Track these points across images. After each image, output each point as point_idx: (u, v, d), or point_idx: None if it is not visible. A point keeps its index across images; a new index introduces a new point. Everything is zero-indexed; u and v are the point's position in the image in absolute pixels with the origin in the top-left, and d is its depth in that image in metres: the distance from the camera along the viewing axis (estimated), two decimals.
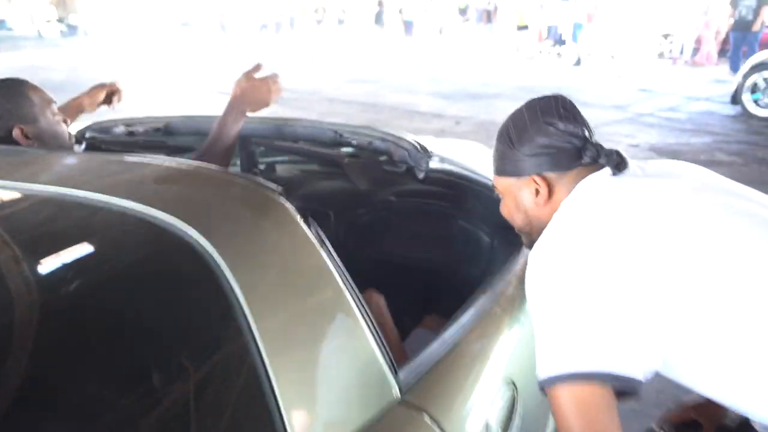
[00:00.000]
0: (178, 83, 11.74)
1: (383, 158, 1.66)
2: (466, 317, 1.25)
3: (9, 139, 1.39)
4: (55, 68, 14.35)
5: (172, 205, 0.90)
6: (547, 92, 1.19)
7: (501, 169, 1.15)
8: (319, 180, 2.25)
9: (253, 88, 1.52)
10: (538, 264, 0.98)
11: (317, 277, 0.95)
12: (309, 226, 0.98)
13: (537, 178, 1.09)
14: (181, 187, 1.03)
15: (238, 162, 2.03)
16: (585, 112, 1.14)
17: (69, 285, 0.81)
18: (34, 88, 1.47)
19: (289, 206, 0.98)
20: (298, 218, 0.97)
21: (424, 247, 2.03)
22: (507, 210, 1.19)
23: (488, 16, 17.44)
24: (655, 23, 15.53)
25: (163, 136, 1.95)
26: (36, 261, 0.84)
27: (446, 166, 1.64)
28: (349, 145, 1.71)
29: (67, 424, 0.68)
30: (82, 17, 34.88)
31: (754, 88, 8.00)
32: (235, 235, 0.89)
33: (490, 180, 1.77)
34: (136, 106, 9.43)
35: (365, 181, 1.76)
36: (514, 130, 1.12)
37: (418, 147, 1.59)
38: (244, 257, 0.86)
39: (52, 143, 1.45)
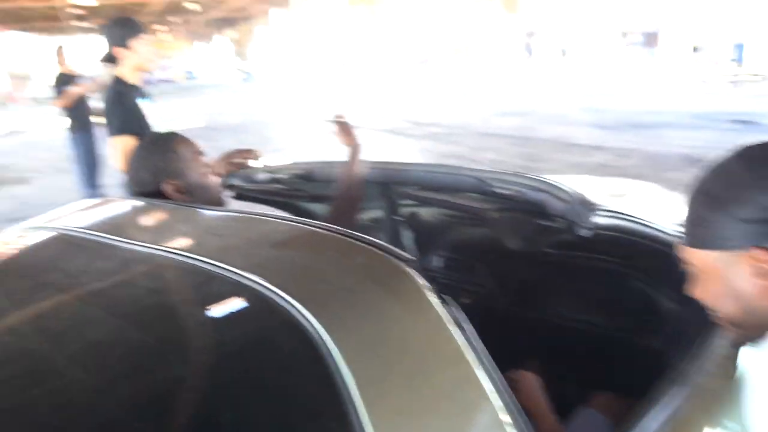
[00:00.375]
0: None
1: (536, 211, 1.45)
2: (654, 420, 0.98)
3: (161, 194, 1.41)
4: (231, 112, 16.00)
5: (285, 278, 0.80)
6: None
7: (700, 239, 0.87)
8: (468, 226, 2.07)
9: None
10: None
11: (451, 366, 0.78)
12: (444, 303, 0.82)
13: (760, 253, 0.81)
14: (298, 255, 0.94)
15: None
16: None
17: (160, 363, 0.74)
18: (183, 141, 1.47)
19: (422, 281, 0.82)
20: (432, 295, 0.81)
21: (591, 309, 1.75)
22: (707, 292, 0.90)
23: (651, 39, 16.16)
24: None
25: (306, 183, 1.92)
26: (130, 335, 0.79)
27: (615, 221, 1.37)
28: (496, 195, 1.52)
29: None
30: (256, 64, 39.01)
31: None
32: (353, 316, 0.76)
33: (672, 234, 1.47)
34: (312, 146, 10.07)
35: (514, 240, 1.53)
36: (723, 188, 0.84)
37: (579, 198, 1.34)
38: (361, 344, 0.73)
39: (201, 195, 1.45)
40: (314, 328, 0.71)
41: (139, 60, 2.74)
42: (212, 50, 49.83)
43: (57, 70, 5.91)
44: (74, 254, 1.08)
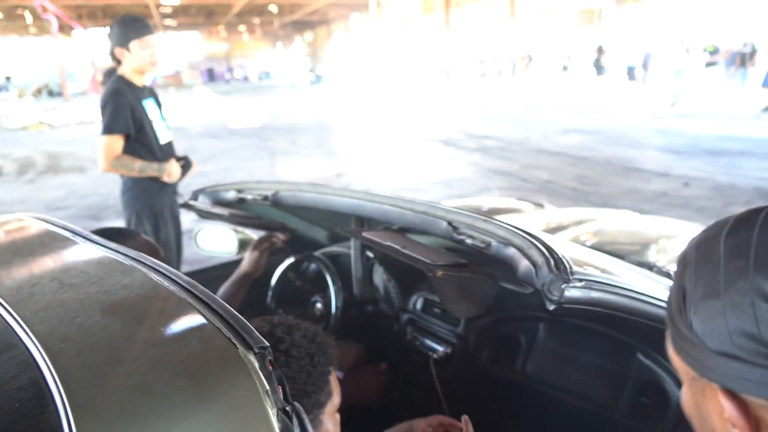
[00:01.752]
0: (392, 126, 12.19)
1: (502, 272, 1.16)
2: None
3: None
4: (291, 113, 16.22)
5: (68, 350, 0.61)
6: None
7: (675, 342, 0.59)
8: None
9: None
10: None
11: None
12: (290, 417, 0.60)
13: (726, 400, 0.51)
14: (120, 323, 0.74)
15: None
16: None
17: None
18: None
19: (263, 382, 0.61)
20: (271, 406, 0.59)
21: (583, 378, 1.43)
22: (687, 404, 0.61)
23: (743, 59, 14.87)
24: None
25: (269, 206, 1.71)
26: None
27: (601, 296, 1.07)
28: (461, 244, 1.24)
29: None
30: (327, 68, 39.62)
31: None
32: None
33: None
34: (350, 145, 9.96)
35: (460, 307, 1.24)
36: (695, 283, 0.55)
37: (555, 263, 1.04)
38: None
39: None
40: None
41: (138, 62, 2.59)
42: (289, 52, 51.05)
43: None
44: None
